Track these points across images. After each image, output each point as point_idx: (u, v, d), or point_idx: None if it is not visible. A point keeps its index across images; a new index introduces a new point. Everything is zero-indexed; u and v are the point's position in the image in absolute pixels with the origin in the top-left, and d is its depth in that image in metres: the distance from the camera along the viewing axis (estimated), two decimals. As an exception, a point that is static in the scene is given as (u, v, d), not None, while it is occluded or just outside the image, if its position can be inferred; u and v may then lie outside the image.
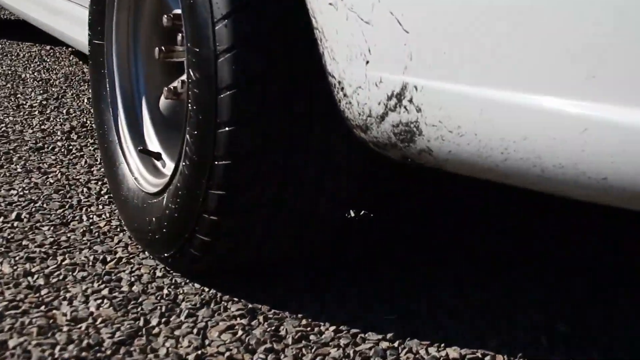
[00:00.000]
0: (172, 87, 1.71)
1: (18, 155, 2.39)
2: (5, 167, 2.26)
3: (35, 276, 1.64)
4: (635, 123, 0.99)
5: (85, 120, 2.79)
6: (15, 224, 1.92)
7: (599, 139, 1.02)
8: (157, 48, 1.75)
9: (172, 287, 1.62)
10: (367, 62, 1.27)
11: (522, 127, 1.11)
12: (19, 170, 2.25)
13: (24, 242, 1.83)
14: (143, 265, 1.72)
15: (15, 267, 1.65)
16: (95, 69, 1.92)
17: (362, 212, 2.04)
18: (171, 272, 1.68)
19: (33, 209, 2.00)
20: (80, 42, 2.37)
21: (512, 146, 1.12)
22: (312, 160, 1.47)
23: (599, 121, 1.01)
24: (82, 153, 2.47)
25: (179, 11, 1.55)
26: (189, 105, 1.48)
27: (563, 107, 1.06)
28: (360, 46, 1.29)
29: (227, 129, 1.41)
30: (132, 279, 1.65)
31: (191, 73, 1.47)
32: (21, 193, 2.11)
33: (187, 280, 1.65)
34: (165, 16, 1.71)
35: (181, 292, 1.60)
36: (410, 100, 1.22)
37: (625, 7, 1.01)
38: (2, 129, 2.70)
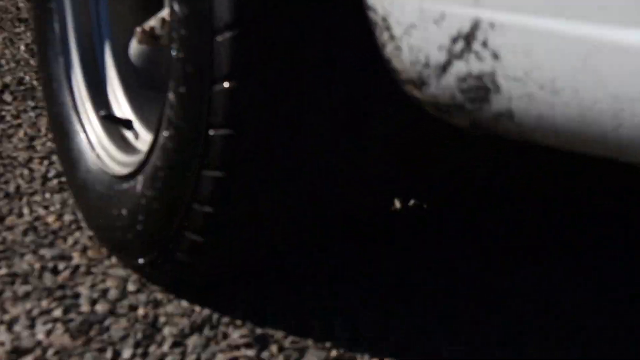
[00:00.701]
0: (147, 28, 1.73)
1: None
2: None
3: None
4: None
5: (23, 75, 2.78)
6: None
7: None
8: None
9: (151, 305, 1.66)
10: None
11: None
12: None
13: None
14: (109, 275, 1.74)
15: None
16: (39, 2, 1.85)
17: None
18: (148, 284, 1.70)
19: None
20: None
21: (630, 108, 1.05)
22: (344, 128, 1.58)
23: None
24: (19, 121, 2.54)
25: None
26: (173, 52, 1.46)
27: None
28: None
29: (227, 83, 1.40)
30: (95, 295, 1.69)
31: (175, 7, 1.47)
32: None
33: (171, 296, 1.68)
34: None
35: (163, 312, 1.63)
36: (484, 44, 1.21)
37: None
38: None
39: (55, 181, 2.15)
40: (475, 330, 1.78)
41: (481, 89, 1.25)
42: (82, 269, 1.79)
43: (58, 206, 2.08)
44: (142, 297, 1.70)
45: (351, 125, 1.51)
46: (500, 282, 1.96)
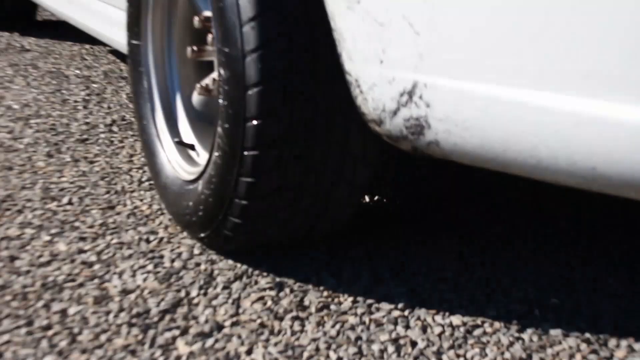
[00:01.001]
0: (203, 84, 1.75)
1: (66, 146, 2.46)
2: (55, 156, 2.34)
3: (88, 253, 1.71)
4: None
5: (124, 114, 2.86)
6: (68, 207, 1.97)
7: (589, 133, 1.02)
8: (189, 48, 1.76)
9: (209, 263, 1.68)
10: (381, 61, 1.27)
11: (521, 122, 1.11)
12: (68, 159, 2.32)
13: (76, 224, 1.89)
14: (182, 244, 1.77)
15: (70, 246, 1.74)
16: (134, 67, 1.94)
17: (376, 197, 2.02)
18: (207, 250, 1.73)
19: (82, 194, 2.06)
20: (117, 42, 2.38)
21: (512, 139, 1.13)
22: (332, 150, 1.49)
23: (590, 117, 1.01)
24: (123, 144, 2.52)
25: (209, 13, 1.58)
26: (220, 100, 1.50)
27: (558, 105, 1.05)
28: (375, 47, 1.29)
29: (254, 122, 1.42)
30: (173, 256, 1.71)
31: (221, 71, 1.48)
32: (71, 180, 2.16)
33: (222, 257, 1.70)
34: (197, 18, 1.71)
35: (217, 267, 1.66)
36: (420, 97, 1.23)
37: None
38: (51, 122, 2.73)
39: (146, 183, 2.14)
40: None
41: (418, 126, 1.26)
42: (165, 240, 1.79)
43: (149, 199, 2.06)
44: (203, 257, 1.71)
45: (343, 148, 1.50)
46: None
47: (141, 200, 2.02)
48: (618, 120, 0.97)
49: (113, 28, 2.40)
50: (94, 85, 3.18)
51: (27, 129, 2.56)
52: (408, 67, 1.20)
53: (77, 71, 3.40)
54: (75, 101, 2.92)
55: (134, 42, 1.88)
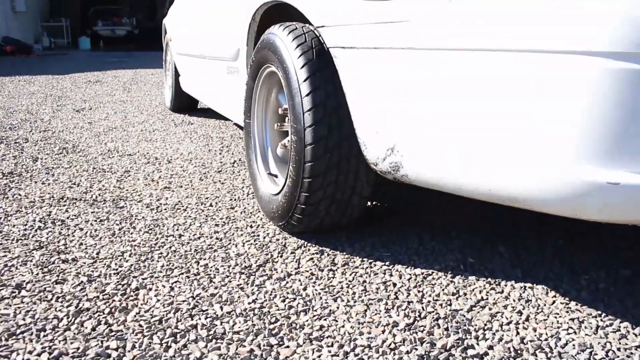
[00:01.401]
0: (283, 143, 1.77)
1: (210, 174, 2.49)
2: (204, 180, 2.37)
3: (219, 233, 1.73)
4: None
5: (241, 157, 2.84)
6: (210, 208, 1.98)
7: (489, 173, 0.97)
8: (276, 124, 1.79)
9: (283, 239, 1.69)
10: (377, 132, 1.32)
11: (450, 168, 1.12)
12: (210, 182, 2.36)
13: (214, 217, 1.88)
14: (269, 228, 1.78)
15: (210, 229, 1.76)
16: (247, 134, 1.94)
17: (375, 202, 1.99)
18: (283, 232, 1.73)
19: (218, 201, 2.08)
20: (238, 119, 2.36)
21: (447, 176, 1.15)
22: (349, 177, 1.49)
23: (494, 167, 1.01)
24: (239, 174, 2.49)
25: (286, 106, 1.62)
26: (291, 152, 1.54)
27: (472, 161, 1.06)
28: (373, 125, 1.33)
29: (309, 164, 1.45)
30: (264, 235, 1.72)
31: (292, 137, 1.52)
32: (212, 192, 2.19)
33: (291, 236, 1.70)
34: (280, 108, 1.73)
35: (288, 242, 1.67)
36: (398, 151, 1.28)
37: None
38: (202, 162, 2.74)
39: (251, 195, 2.11)
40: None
41: (396, 166, 1.31)
42: (260, 225, 1.78)
43: (252, 203, 2.04)
44: (280, 236, 1.71)
45: (356, 176, 1.47)
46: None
47: (248, 204, 2.01)
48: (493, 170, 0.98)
49: (237, 114, 2.39)
50: (225, 142, 3.20)
51: (189, 165, 2.62)
52: (391, 136, 1.22)
53: (217, 134, 3.43)
54: (215, 150, 2.96)
55: (247, 120, 1.90)
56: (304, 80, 1.41)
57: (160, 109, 4.48)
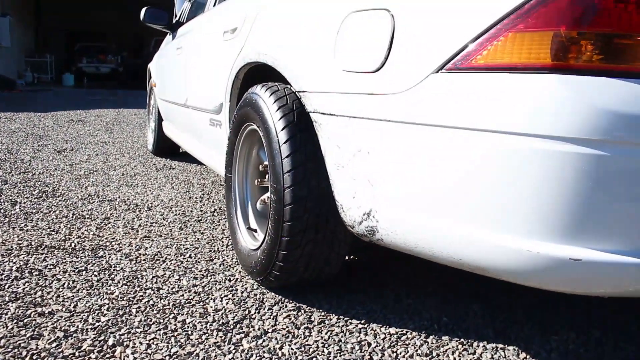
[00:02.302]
0: (263, 199, 1.80)
1: (190, 223, 2.49)
2: (184, 229, 2.39)
3: (198, 286, 1.72)
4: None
5: (221, 206, 2.85)
6: (189, 259, 1.98)
7: (460, 244, 1.01)
8: (256, 180, 1.83)
9: (261, 293, 1.70)
10: (354, 197, 1.35)
11: (425, 234, 1.14)
12: (190, 231, 2.37)
13: (192, 269, 1.89)
14: (248, 283, 1.77)
15: (189, 282, 1.76)
16: (227, 188, 1.95)
17: (352, 256, 2.00)
18: (261, 287, 1.74)
19: (197, 252, 2.09)
20: (219, 170, 2.37)
21: (419, 243, 1.16)
22: (327, 237, 1.51)
23: (465, 238, 1.04)
24: (219, 223, 2.50)
25: (267, 163, 1.60)
26: (271, 211, 1.55)
27: (444, 231, 1.09)
28: (350, 190, 1.35)
29: (288, 223, 1.47)
30: (243, 288, 1.73)
31: (272, 196, 1.53)
32: (191, 243, 2.19)
33: (269, 291, 1.70)
34: (261, 165, 1.78)
35: (265, 297, 1.68)
36: (373, 216, 1.29)
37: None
38: (182, 210, 2.75)
39: (230, 247, 2.11)
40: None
41: (372, 230, 1.33)
42: (239, 279, 1.79)
43: (231, 256, 2.04)
44: (258, 291, 1.70)
45: (333, 235, 1.49)
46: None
47: (227, 256, 2.01)
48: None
49: (218, 165, 2.41)
50: (206, 188, 3.20)
51: (169, 213, 2.64)
52: (367, 202, 1.25)
53: (198, 180, 3.48)
54: (196, 197, 2.97)
55: (228, 174, 1.93)
56: (285, 142, 1.45)
57: (142, 152, 4.50)
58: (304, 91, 1.45)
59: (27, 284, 1.69)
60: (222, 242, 2.19)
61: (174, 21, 3.68)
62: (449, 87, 0.99)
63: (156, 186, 3.21)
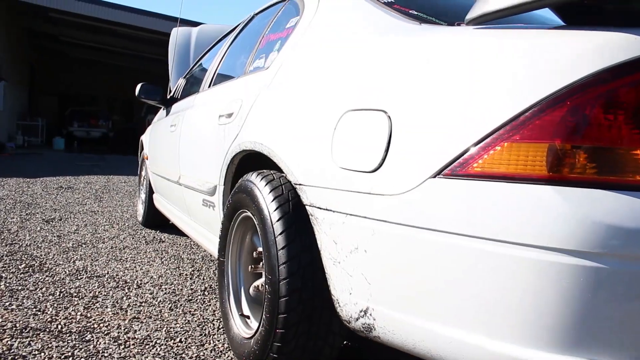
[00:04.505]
0: (256, 285, 1.76)
1: (180, 303, 2.45)
2: (174, 310, 2.34)
3: None
4: None
5: (212, 284, 2.82)
6: (179, 344, 1.92)
7: (452, 349, 1.05)
8: (250, 266, 1.79)
9: None
10: (350, 293, 1.33)
11: (424, 334, 1.11)
12: (180, 312, 2.32)
13: (183, 356, 1.84)
14: None
15: None
16: (220, 272, 1.94)
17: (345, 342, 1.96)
18: None
19: (187, 336, 2.03)
20: (212, 251, 2.38)
21: (418, 345, 1.13)
22: (322, 329, 1.47)
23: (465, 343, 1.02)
24: (209, 304, 2.47)
25: (261, 249, 1.60)
26: (265, 302, 1.52)
27: (445, 332, 1.06)
28: (347, 285, 1.33)
29: (282, 315, 1.44)
30: None
31: (267, 287, 1.51)
32: (181, 326, 2.14)
33: None
34: (255, 252, 1.77)
35: None
36: (370, 314, 1.26)
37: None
38: (172, 288, 2.70)
39: (222, 330, 2.07)
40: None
41: (368, 327, 1.28)
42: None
43: (222, 340, 1.98)
44: None
45: (328, 328, 1.46)
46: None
47: (218, 340, 1.98)
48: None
49: (210, 244, 2.42)
50: (196, 264, 3.19)
51: (159, 292, 2.61)
52: (364, 299, 1.24)
53: (187, 255, 3.47)
54: (186, 274, 2.94)
55: (221, 258, 1.92)
56: (280, 234, 1.45)
57: (132, 222, 4.47)
58: (300, 184, 1.48)
59: (11, 374, 1.64)
60: (213, 324, 2.15)
61: (168, 96, 3.76)
62: (446, 192, 1.01)
63: (145, 261, 3.18)
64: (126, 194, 6.42)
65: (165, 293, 2.54)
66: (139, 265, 3.06)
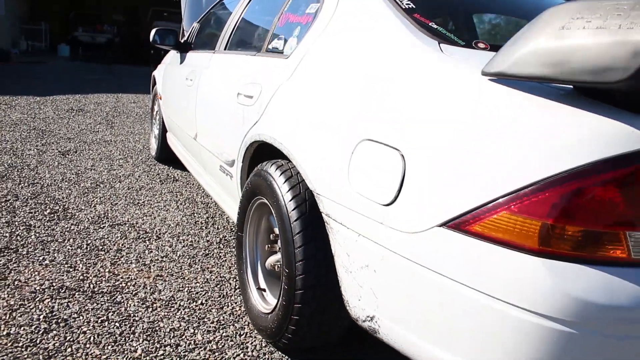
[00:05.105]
0: (272, 263, 1.90)
1: (198, 258, 2.60)
2: (193, 267, 2.49)
3: (212, 342, 1.84)
4: None
5: (226, 234, 2.96)
6: (200, 306, 2.09)
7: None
8: (267, 245, 1.94)
9: (269, 352, 1.82)
10: (359, 299, 1.47)
11: (415, 351, 1.27)
12: (199, 269, 2.48)
13: (204, 319, 2.00)
14: (257, 338, 1.90)
15: (203, 336, 1.87)
16: (238, 246, 2.08)
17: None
18: (271, 346, 1.86)
19: (208, 298, 2.19)
20: (226, 209, 2.53)
21: (411, 353, 1.28)
22: (333, 316, 1.62)
23: None
24: (225, 258, 2.61)
25: (277, 231, 1.74)
26: (282, 294, 1.67)
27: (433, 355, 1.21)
28: (357, 293, 1.44)
29: (298, 305, 1.58)
30: (253, 346, 1.86)
31: (284, 278, 1.64)
32: (202, 286, 2.31)
33: (276, 351, 1.83)
34: (272, 234, 1.90)
35: (275, 355, 1.81)
36: (376, 322, 1.40)
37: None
38: (190, 240, 2.85)
39: (238, 291, 2.21)
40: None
41: (374, 330, 1.41)
42: (248, 334, 1.91)
43: (239, 302, 2.11)
44: (266, 349, 1.83)
45: (338, 317, 1.62)
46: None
47: (235, 303, 2.14)
48: None
49: (224, 204, 2.57)
50: (210, 210, 3.32)
51: (178, 244, 2.77)
52: (371, 308, 1.40)
53: (201, 198, 3.59)
54: (201, 222, 3.09)
55: (240, 233, 2.05)
56: (297, 233, 1.57)
57: (144, 156, 4.59)
58: (317, 193, 1.57)
59: (56, 339, 1.83)
60: (230, 284, 2.31)
61: (182, 39, 3.76)
62: (450, 242, 1.12)
63: (162, 205, 3.33)
64: (137, 118, 6.47)
65: (184, 246, 2.70)
66: (156, 211, 3.21)
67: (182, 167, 4.28)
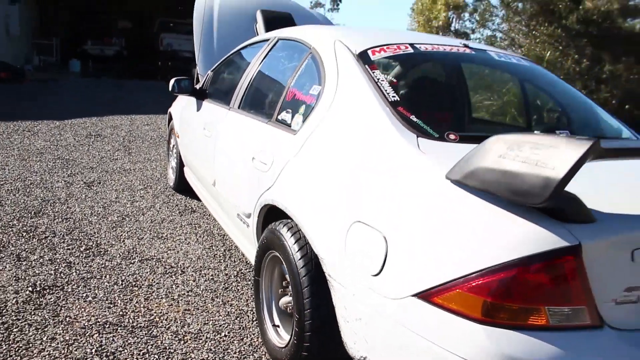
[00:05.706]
0: (284, 304, 2.19)
1: (219, 292, 2.90)
2: (215, 300, 2.77)
3: None
4: None
5: (241, 269, 3.24)
6: (224, 338, 2.37)
7: None
8: (280, 289, 2.23)
9: None
10: (355, 343, 1.80)
11: None
12: (221, 302, 2.77)
13: (228, 351, 2.30)
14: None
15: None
16: (256, 288, 2.34)
17: None
18: None
19: (229, 330, 2.47)
20: (242, 249, 2.81)
21: None
22: (336, 346, 1.89)
23: None
24: (243, 293, 2.90)
25: (288, 279, 2.02)
26: (294, 322, 1.96)
27: None
28: (353, 338, 1.74)
29: (307, 344, 1.90)
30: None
31: (295, 322, 1.94)
32: (224, 319, 2.58)
33: None
34: (284, 280, 2.20)
35: None
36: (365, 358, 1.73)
37: None
38: (211, 274, 3.13)
39: (255, 323, 2.48)
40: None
41: None
42: (263, 357, 2.21)
43: (257, 337, 2.43)
44: None
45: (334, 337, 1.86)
46: None
47: (253, 334, 2.42)
48: None
49: (240, 244, 2.89)
50: (226, 242, 3.60)
51: (201, 279, 3.11)
52: (364, 351, 1.69)
53: (218, 230, 3.86)
54: (219, 255, 3.39)
55: (257, 278, 2.34)
56: (306, 287, 1.92)
57: (162, 186, 4.93)
58: (321, 257, 1.91)
59: (108, 372, 2.22)
60: (248, 316, 2.61)
61: (197, 87, 4.11)
62: (420, 309, 1.46)
63: (183, 239, 3.66)
64: (152, 143, 6.85)
65: (206, 280, 3.02)
66: (178, 245, 3.54)
67: (197, 197, 4.52)
